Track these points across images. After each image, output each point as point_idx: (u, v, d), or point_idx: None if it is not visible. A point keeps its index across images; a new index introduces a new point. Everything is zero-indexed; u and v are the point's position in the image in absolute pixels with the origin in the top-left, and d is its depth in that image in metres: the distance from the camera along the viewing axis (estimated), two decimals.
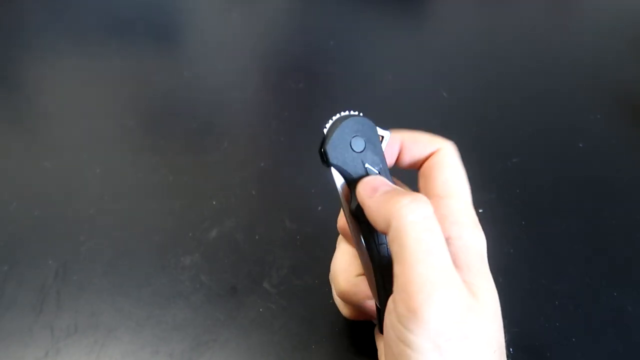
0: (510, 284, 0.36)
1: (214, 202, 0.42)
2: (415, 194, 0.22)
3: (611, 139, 0.50)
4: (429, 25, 0.71)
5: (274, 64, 0.60)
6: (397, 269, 0.21)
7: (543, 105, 0.54)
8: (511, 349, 0.33)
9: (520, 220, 0.41)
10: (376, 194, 0.23)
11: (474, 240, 0.23)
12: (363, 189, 0.24)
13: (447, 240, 0.22)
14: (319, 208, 0.41)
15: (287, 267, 0.37)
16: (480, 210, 0.42)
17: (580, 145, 0.49)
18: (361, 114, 0.27)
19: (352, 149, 0.25)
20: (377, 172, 0.25)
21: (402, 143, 0.27)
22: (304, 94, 0.55)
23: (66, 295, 0.35)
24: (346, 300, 0.29)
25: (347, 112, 0.26)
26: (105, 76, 0.56)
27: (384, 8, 0.71)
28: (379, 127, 0.26)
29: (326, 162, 0.25)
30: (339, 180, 0.26)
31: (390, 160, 0.27)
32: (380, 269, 0.24)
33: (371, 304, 0.27)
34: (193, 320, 0.34)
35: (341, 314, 0.31)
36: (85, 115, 0.51)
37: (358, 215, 0.25)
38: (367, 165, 0.25)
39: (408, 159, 0.27)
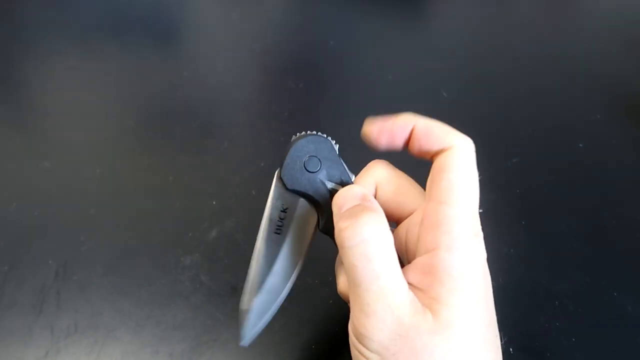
0: (510, 284, 0.36)
1: (214, 202, 0.42)
2: (363, 211, 0.22)
3: (611, 139, 0.50)
4: (429, 25, 0.71)
5: (274, 64, 0.60)
6: (349, 289, 0.22)
7: (543, 105, 0.54)
8: (511, 349, 0.33)
9: (520, 220, 0.41)
10: (340, 212, 0.23)
11: (464, 253, 0.21)
12: (333, 207, 0.24)
13: (435, 251, 0.21)
14: None
15: None
16: (480, 210, 0.42)
17: (580, 145, 0.49)
18: (319, 133, 0.26)
19: (307, 170, 0.25)
20: (338, 185, 0.25)
21: (413, 130, 0.25)
22: (304, 94, 0.55)
23: (66, 295, 0.35)
24: (343, 298, 0.29)
25: (302, 133, 0.26)
26: (105, 76, 0.56)
27: (384, 8, 0.71)
28: (330, 138, 0.26)
29: (286, 188, 0.26)
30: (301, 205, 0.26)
31: (398, 143, 0.25)
32: None
33: None
34: (193, 320, 0.34)
35: (341, 314, 0.31)
36: (85, 115, 0.51)
37: (327, 233, 0.25)
38: (326, 182, 0.25)
39: (417, 149, 0.25)
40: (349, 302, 0.28)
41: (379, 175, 0.25)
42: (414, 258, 0.23)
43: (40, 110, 0.52)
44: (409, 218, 0.25)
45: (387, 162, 0.26)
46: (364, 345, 0.21)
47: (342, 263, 0.24)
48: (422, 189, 0.25)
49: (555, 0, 0.77)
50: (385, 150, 0.25)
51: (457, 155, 0.24)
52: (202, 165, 0.45)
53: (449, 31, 0.68)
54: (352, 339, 0.22)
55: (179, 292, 0.35)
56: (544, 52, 0.63)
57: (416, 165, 0.26)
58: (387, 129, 0.25)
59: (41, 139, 0.48)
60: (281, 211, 0.26)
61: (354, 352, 0.22)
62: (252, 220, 0.40)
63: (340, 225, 0.22)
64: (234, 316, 0.34)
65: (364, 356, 0.21)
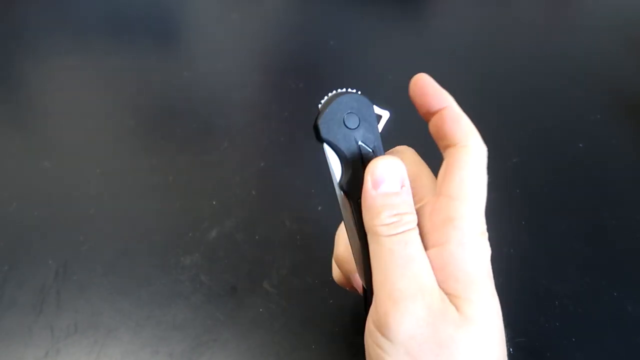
0: (510, 284, 0.36)
1: (214, 202, 0.41)
2: (406, 211, 0.22)
3: (611, 139, 0.50)
4: (429, 25, 0.71)
5: (274, 64, 0.60)
6: (374, 276, 0.22)
7: (543, 105, 0.54)
8: (511, 349, 0.33)
9: (520, 220, 0.41)
10: (377, 190, 0.23)
11: (474, 250, 0.22)
12: (370, 176, 0.23)
13: (444, 245, 0.22)
14: (319, 208, 0.41)
15: (287, 267, 0.37)
16: None
17: (580, 145, 0.49)
18: (358, 92, 0.26)
19: (345, 125, 0.25)
20: (370, 150, 0.25)
21: (444, 111, 0.26)
22: (304, 93, 0.55)
23: (66, 295, 0.35)
24: (340, 265, 0.29)
25: (343, 90, 0.26)
26: (105, 76, 0.56)
27: (384, 8, 0.71)
28: (377, 106, 0.26)
29: (318, 137, 0.25)
30: (331, 157, 0.25)
31: (424, 109, 0.27)
32: (368, 250, 0.24)
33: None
34: (193, 320, 0.34)
35: (341, 314, 0.31)
36: (85, 115, 0.51)
37: (348, 192, 0.25)
38: (360, 142, 0.25)
39: (435, 128, 0.26)
40: (343, 269, 0.29)
41: (402, 153, 0.26)
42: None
43: (40, 110, 0.52)
44: (418, 206, 0.24)
45: (412, 149, 0.27)
46: (387, 338, 0.21)
47: (347, 229, 0.25)
48: (434, 177, 0.25)
49: (555, 0, 0.77)
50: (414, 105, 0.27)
51: (473, 155, 0.24)
52: (202, 165, 0.45)
53: (449, 31, 0.68)
54: (372, 333, 0.21)
55: (179, 292, 0.35)
56: (544, 52, 0.63)
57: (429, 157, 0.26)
58: (431, 90, 0.27)
59: (41, 139, 0.48)
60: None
61: (372, 348, 0.21)
62: (252, 220, 0.40)
63: (382, 215, 0.22)
64: (234, 316, 0.34)
65: (385, 351, 0.21)
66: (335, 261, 0.30)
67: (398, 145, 0.28)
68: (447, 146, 0.25)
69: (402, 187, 0.23)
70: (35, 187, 0.43)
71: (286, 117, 0.51)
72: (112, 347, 0.32)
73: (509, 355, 0.33)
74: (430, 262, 0.22)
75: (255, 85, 0.56)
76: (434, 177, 0.25)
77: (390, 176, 0.23)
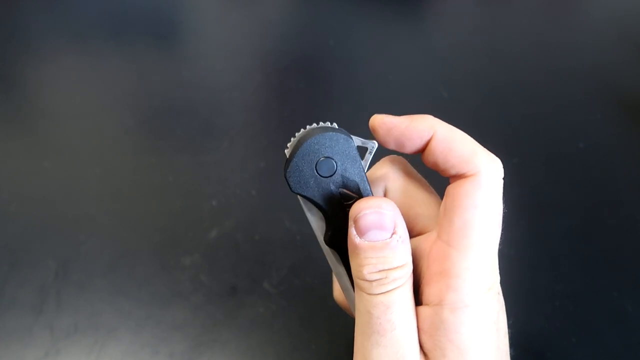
0: (510, 284, 0.36)
1: (214, 202, 0.41)
2: (395, 267, 0.18)
3: (611, 139, 0.50)
4: (429, 25, 0.71)
5: (274, 64, 0.60)
6: (355, 334, 0.20)
7: (543, 105, 0.54)
8: (511, 349, 0.32)
9: (520, 220, 0.41)
10: (362, 238, 0.19)
11: (473, 314, 0.18)
12: (354, 223, 0.19)
13: (437, 306, 0.19)
14: None
15: (287, 267, 0.37)
16: None
17: (580, 145, 0.49)
18: (334, 124, 0.21)
19: (318, 173, 0.21)
20: (355, 195, 0.21)
21: (432, 139, 0.20)
22: (304, 94, 0.55)
23: (66, 295, 0.35)
24: (339, 305, 0.28)
25: (313, 126, 0.21)
26: (105, 76, 0.56)
27: (384, 8, 0.71)
28: (360, 138, 0.21)
29: (291, 190, 0.21)
30: (309, 210, 0.22)
31: (409, 150, 0.21)
32: None
33: None
34: (193, 320, 0.34)
35: (341, 314, 0.31)
36: (85, 115, 0.51)
37: (335, 248, 0.22)
38: (340, 190, 0.21)
39: (432, 163, 0.21)
40: (346, 309, 0.27)
41: (391, 178, 0.22)
42: (416, 289, 0.20)
43: (40, 110, 0.52)
44: (418, 239, 0.21)
45: (404, 161, 0.22)
46: None
47: (338, 280, 0.23)
48: (438, 201, 0.21)
49: (555, 0, 0.77)
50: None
51: (480, 187, 0.20)
52: (202, 165, 0.45)
53: (449, 31, 0.68)
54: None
55: (179, 292, 0.35)
56: (544, 52, 0.63)
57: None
58: (399, 131, 0.20)
59: (41, 139, 0.48)
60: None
61: None
62: (252, 220, 0.40)
63: (364, 271, 0.19)
64: (234, 316, 0.34)
65: None
66: (336, 301, 0.27)
67: (389, 154, 0.23)
68: (453, 178, 0.20)
69: (392, 234, 0.19)
70: (35, 187, 0.43)
71: (286, 117, 0.51)
72: (112, 347, 0.32)
73: (510, 355, 0.33)
74: (421, 322, 0.19)
75: (255, 85, 0.56)
76: (433, 194, 0.22)
77: (378, 222, 0.19)
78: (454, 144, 0.20)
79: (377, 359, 0.18)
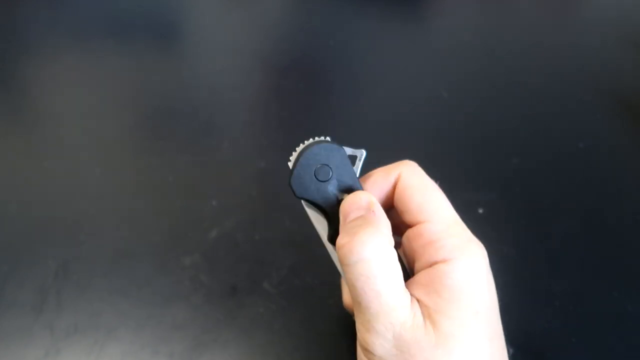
0: (510, 284, 0.36)
1: (214, 202, 0.42)
2: (363, 226, 0.22)
3: (611, 139, 0.50)
4: (429, 25, 0.71)
5: (274, 64, 0.60)
6: (354, 310, 0.22)
7: (543, 105, 0.54)
8: (511, 349, 0.33)
9: (520, 220, 0.41)
10: (346, 221, 0.23)
11: (463, 263, 0.21)
12: (340, 217, 0.23)
13: (434, 264, 0.22)
14: None
15: (287, 267, 0.37)
16: (480, 211, 0.42)
17: (580, 145, 0.49)
18: (327, 138, 0.26)
19: (317, 179, 0.25)
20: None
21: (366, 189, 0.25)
22: (304, 93, 0.55)
23: (66, 295, 0.35)
24: (348, 311, 0.30)
25: (310, 140, 0.25)
26: (105, 76, 0.56)
27: (384, 8, 0.71)
28: (350, 147, 0.25)
29: (295, 195, 0.25)
30: (313, 213, 0.25)
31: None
32: None
33: None
34: (193, 320, 0.34)
35: (341, 314, 0.31)
36: (85, 115, 0.51)
37: (335, 243, 0.24)
38: (337, 192, 0.25)
39: (379, 199, 0.25)
40: (353, 315, 0.28)
41: (404, 177, 0.25)
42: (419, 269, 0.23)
43: (40, 110, 0.52)
44: (414, 228, 0.24)
45: (416, 165, 0.25)
46: (369, 359, 0.21)
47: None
48: (446, 201, 0.24)
49: (555, 0, 0.77)
50: None
51: (410, 177, 0.24)
52: (202, 165, 0.45)
53: (449, 31, 0.68)
54: (359, 352, 0.22)
55: (179, 292, 0.35)
56: (544, 52, 0.63)
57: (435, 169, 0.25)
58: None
59: (41, 139, 0.48)
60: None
61: None
62: (252, 220, 0.40)
63: (340, 241, 0.22)
64: (234, 316, 0.34)
65: None
66: (345, 306, 0.30)
67: (404, 159, 0.26)
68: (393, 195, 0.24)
69: (370, 212, 0.22)
70: (35, 187, 0.43)
71: (286, 117, 0.51)
72: (112, 347, 0.32)
73: (509, 355, 0.33)
74: (422, 281, 0.22)
75: (255, 85, 0.56)
76: (441, 194, 0.24)
77: (355, 205, 0.23)
78: (371, 178, 0.25)
79: (372, 320, 0.21)
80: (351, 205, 0.23)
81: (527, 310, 0.35)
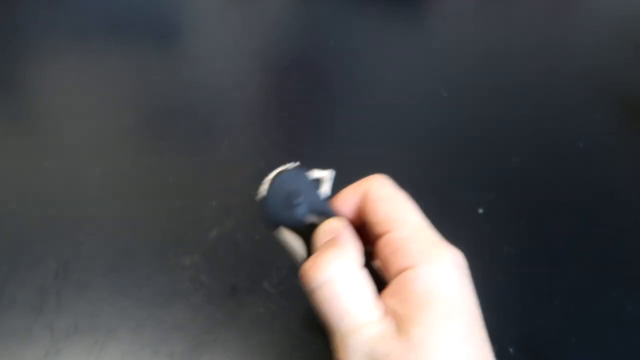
0: (510, 284, 0.36)
1: (214, 202, 0.41)
2: (327, 249, 0.22)
3: (611, 139, 0.50)
4: (429, 25, 0.71)
5: (274, 64, 0.60)
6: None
7: (543, 105, 0.54)
8: (511, 349, 0.33)
9: (520, 220, 0.41)
10: (316, 248, 0.23)
11: (430, 267, 0.21)
12: (313, 245, 0.24)
13: (402, 272, 0.22)
14: None
15: (287, 267, 0.37)
16: (480, 211, 0.42)
17: (580, 145, 0.49)
18: (297, 163, 0.26)
19: (289, 205, 0.25)
20: (319, 220, 0.25)
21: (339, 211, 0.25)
22: (304, 94, 0.55)
23: (66, 295, 0.35)
24: None
25: (279, 169, 0.26)
26: (105, 76, 0.56)
27: (384, 8, 0.71)
28: (317, 169, 0.26)
29: (268, 225, 0.26)
30: (290, 240, 0.26)
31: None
32: None
33: None
34: (193, 320, 0.34)
35: None
36: (85, 115, 0.51)
37: None
38: (308, 216, 0.25)
39: (352, 218, 0.25)
40: None
41: (372, 190, 0.25)
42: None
43: (40, 110, 0.52)
44: (383, 238, 0.24)
45: (385, 178, 0.25)
46: None
47: None
48: (413, 208, 0.24)
49: (555, 0, 0.77)
50: None
51: (376, 190, 0.24)
52: (202, 165, 0.45)
53: (449, 31, 0.68)
54: None
55: (179, 292, 0.35)
56: (543, 52, 0.63)
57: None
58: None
59: (41, 139, 0.48)
60: None
61: None
62: (252, 220, 0.40)
63: (304, 267, 0.22)
64: (234, 316, 0.34)
65: None
66: None
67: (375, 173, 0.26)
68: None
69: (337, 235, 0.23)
70: (35, 187, 0.43)
71: (286, 117, 0.51)
72: (112, 347, 0.32)
73: (509, 355, 0.33)
74: (392, 290, 0.22)
75: (255, 85, 0.56)
76: (411, 205, 0.25)
77: (324, 234, 0.24)
78: (342, 196, 0.26)
79: (343, 339, 0.21)
80: (321, 233, 0.24)
81: (527, 310, 0.35)
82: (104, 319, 0.34)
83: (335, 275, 0.21)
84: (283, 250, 0.38)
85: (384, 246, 0.23)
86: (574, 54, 0.63)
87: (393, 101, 0.54)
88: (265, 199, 0.25)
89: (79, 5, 0.68)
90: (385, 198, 0.24)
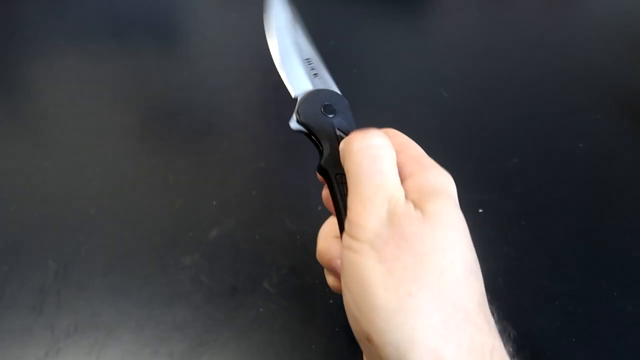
0: (510, 284, 0.36)
1: (214, 202, 0.42)
2: (372, 130, 0.25)
3: (611, 139, 0.50)
4: (429, 25, 0.71)
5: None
6: (348, 195, 0.24)
7: (543, 105, 0.54)
8: (511, 349, 0.33)
9: (520, 220, 0.41)
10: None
11: (435, 178, 0.24)
12: (341, 144, 0.26)
13: (411, 175, 0.24)
14: (319, 208, 0.41)
15: (287, 267, 0.37)
16: (480, 210, 0.42)
17: (580, 145, 0.49)
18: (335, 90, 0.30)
19: (322, 113, 0.29)
20: (345, 135, 0.27)
21: None
22: None
23: (66, 295, 0.35)
24: (321, 260, 0.30)
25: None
26: (105, 76, 0.56)
27: (384, 8, 0.71)
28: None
29: (298, 121, 0.29)
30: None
31: None
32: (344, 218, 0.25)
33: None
34: (193, 320, 0.34)
35: (341, 314, 0.31)
36: (85, 115, 0.51)
37: (327, 169, 0.27)
38: (336, 128, 0.28)
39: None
40: (323, 262, 0.29)
41: (394, 138, 0.27)
42: None
43: (40, 110, 0.52)
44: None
45: (402, 134, 0.28)
46: (357, 238, 0.22)
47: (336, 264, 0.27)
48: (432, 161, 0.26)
49: (555, 0, 0.77)
50: None
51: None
52: (202, 165, 0.45)
53: (449, 31, 0.68)
54: (345, 241, 0.23)
55: (179, 292, 0.35)
56: (543, 52, 0.63)
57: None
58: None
59: (41, 139, 0.48)
60: None
61: (344, 255, 0.23)
62: (252, 220, 0.40)
63: (350, 136, 0.25)
64: (234, 316, 0.34)
65: (355, 250, 0.22)
66: (318, 257, 0.30)
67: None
68: None
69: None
70: (35, 187, 0.43)
71: (286, 117, 0.51)
72: (112, 347, 0.33)
73: (509, 355, 0.33)
74: (406, 185, 0.24)
75: (255, 85, 0.56)
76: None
77: (360, 134, 0.25)
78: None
79: (371, 194, 0.22)
80: (356, 134, 0.25)
81: (527, 310, 0.35)
82: (104, 319, 0.34)
83: (380, 142, 0.24)
84: (283, 250, 0.38)
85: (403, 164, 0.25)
86: (574, 53, 0.63)
87: (393, 101, 0.54)
88: (304, 99, 0.30)
89: (79, 5, 0.68)
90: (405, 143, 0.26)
